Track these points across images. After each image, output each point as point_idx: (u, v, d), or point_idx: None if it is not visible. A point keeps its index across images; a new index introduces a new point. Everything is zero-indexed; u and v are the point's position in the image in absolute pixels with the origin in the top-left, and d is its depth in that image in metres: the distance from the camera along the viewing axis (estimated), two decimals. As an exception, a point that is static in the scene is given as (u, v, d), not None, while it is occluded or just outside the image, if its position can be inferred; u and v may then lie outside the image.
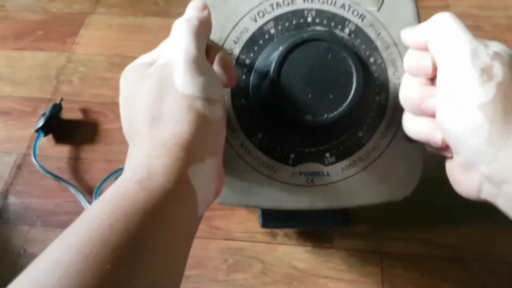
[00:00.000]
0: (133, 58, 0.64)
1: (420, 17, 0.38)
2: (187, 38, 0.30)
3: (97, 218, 0.23)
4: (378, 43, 0.37)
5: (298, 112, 0.33)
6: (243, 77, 0.36)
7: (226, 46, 0.37)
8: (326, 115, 0.33)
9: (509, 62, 0.28)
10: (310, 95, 0.33)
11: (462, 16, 0.68)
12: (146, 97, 0.29)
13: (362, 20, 0.37)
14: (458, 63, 0.29)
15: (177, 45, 0.30)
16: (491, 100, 0.27)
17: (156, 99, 0.28)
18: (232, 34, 0.37)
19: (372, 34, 0.37)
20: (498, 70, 0.28)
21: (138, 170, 0.26)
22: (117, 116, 0.58)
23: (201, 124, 0.28)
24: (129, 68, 0.33)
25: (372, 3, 0.37)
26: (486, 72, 0.28)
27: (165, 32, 0.68)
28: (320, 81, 0.33)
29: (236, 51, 0.37)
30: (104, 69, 0.64)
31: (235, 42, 0.37)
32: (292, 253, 0.48)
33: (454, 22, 0.30)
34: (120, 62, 0.65)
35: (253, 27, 0.37)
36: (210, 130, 0.29)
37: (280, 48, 0.34)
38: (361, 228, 0.49)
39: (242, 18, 0.37)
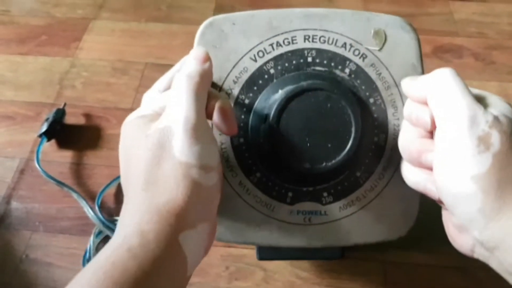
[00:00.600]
0: (136, 63, 0.65)
1: (424, 63, 0.37)
2: (187, 100, 0.29)
3: (90, 286, 0.24)
4: (379, 83, 0.36)
5: (296, 160, 0.33)
6: (242, 116, 0.36)
7: (226, 85, 0.36)
8: (324, 164, 0.33)
9: (507, 130, 0.27)
10: (308, 144, 0.33)
11: (465, 23, 0.69)
12: (143, 160, 0.29)
13: (363, 60, 0.36)
14: (456, 128, 0.27)
15: (177, 109, 0.29)
16: (486, 171, 0.26)
17: (153, 163, 0.28)
18: (232, 73, 0.36)
19: (372, 74, 0.36)
20: (495, 139, 0.26)
21: (129, 236, 0.26)
22: (120, 121, 0.58)
23: (195, 192, 0.28)
24: (129, 121, 0.33)
25: (374, 43, 0.37)
26: (483, 141, 0.27)
27: (168, 37, 0.69)
28: (319, 130, 0.33)
29: (236, 91, 0.36)
30: (107, 74, 0.64)
31: (235, 82, 0.36)
32: (294, 262, 0.48)
33: (455, 81, 0.29)
34: (123, 67, 0.65)
35: (252, 67, 0.36)
36: (203, 197, 0.29)
37: (280, 91, 0.34)
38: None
39: (242, 57, 0.36)
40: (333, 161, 0.33)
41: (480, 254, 0.29)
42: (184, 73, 0.31)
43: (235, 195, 0.37)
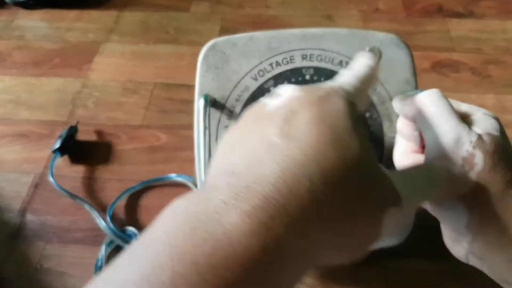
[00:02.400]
0: (145, 83, 0.68)
1: (422, 78, 0.39)
2: None
3: None
4: (374, 99, 0.38)
5: None
6: None
7: (229, 104, 0.38)
8: None
9: (490, 148, 0.28)
10: None
11: (462, 40, 0.72)
12: None
13: None
14: (441, 149, 0.28)
15: None
16: (470, 190, 0.27)
17: None
18: (234, 92, 0.38)
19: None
20: (479, 159, 0.27)
21: None
22: (130, 138, 0.61)
23: None
24: None
25: None
26: (467, 162, 0.28)
27: (175, 58, 0.72)
28: None
29: (238, 108, 0.38)
30: (118, 94, 0.67)
31: (237, 100, 0.38)
32: (299, 268, 0.49)
33: (439, 104, 0.29)
34: (133, 87, 0.68)
35: (253, 86, 0.38)
36: None
37: None
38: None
39: (243, 77, 0.38)
40: None
41: (474, 262, 0.31)
42: None
43: None
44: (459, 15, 0.77)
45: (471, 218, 0.28)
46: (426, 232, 0.50)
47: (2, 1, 0.83)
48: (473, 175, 0.27)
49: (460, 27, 0.75)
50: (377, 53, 0.38)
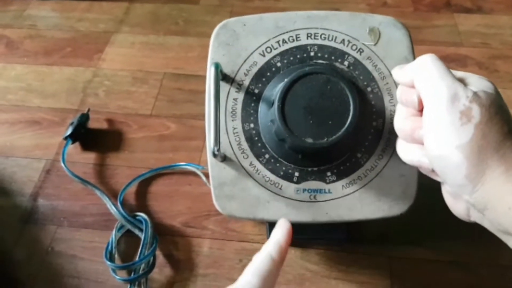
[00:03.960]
0: (155, 73, 0.69)
1: (414, 51, 0.41)
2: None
3: None
4: (375, 74, 0.40)
5: (300, 136, 0.36)
6: (252, 104, 0.40)
7: (238, 78, 0.40)
8: (326, 139, 0.36)
9: (486, 103, 0.29)
10: (311, 121, 0.36)
11: (470, 35, 0.73)
12: None
13: (360, 53, 0.40)
14: (438, 105, 0.30)
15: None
16: (469, 140, 0.29)
17: None
18: (243, 67, 0.41)
19: (369, 66, 0.40)
20: (476, 112, 0.29)
21: None
22: (140, 127, 0.62)
23: None
24: None
25: (370, 39, 0.41)
26: (465, 115, 0.29)
27: (184, 49, 0.73)
28: (320, 109, 0.36)
29: (246, 82, 0.40)
30: (128, 83, 0.68)
31: (246, 74, 0.40)
32: (304, 255, 0.50)
33: (434, 65, 0.31)
34: (143, 77, 0.69)
35: (261, 61, 0.41)
36: None
37: (285, 79, 0.37)
38: (371, 232, 0.51)
39: (252, 53, 0.41)
40: (334, 137, 0.36)
41: (475, 217, 0.32)
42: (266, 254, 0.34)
43: (247, 175, 0.40)
44: (467, 10, 0.77)
45: (470, 167, 0.29)
46: (430, 224, 0.51)
47: (14, -9, 0.84)
48: (471, 127, 0.29)
49: (468, 22, 0.75)
50: (377, 33, 0.41)
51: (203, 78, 0.41)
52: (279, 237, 0.35)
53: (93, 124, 0.62)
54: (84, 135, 0.60)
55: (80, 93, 0.67)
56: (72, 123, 0.60)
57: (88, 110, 0.62)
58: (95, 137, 0.61)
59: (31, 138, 0.62)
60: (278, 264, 0.33)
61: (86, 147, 0.60)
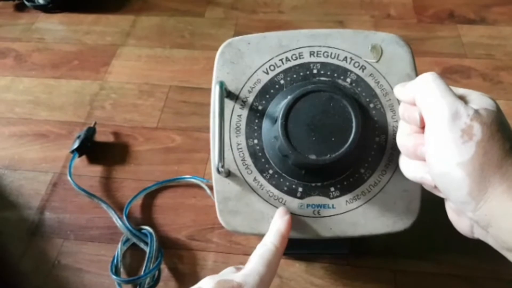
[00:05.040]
0: (161, 86, 0.70)
1: (417, 68, 0.41)
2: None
3: None
4: (378, 91, 0.41)
5: (303, 153, 0.37)
6: (256, 121, 0.41)
7: (242, 94, 0.41)
8: (329, 156, 0.36)
9: (487, 120, 0.30)
10: (314, 138, 0.37)
11: (473, 46, 0.73)
12: None
13: (363, 70, 0.41)
14: (440, 124, 0.30)
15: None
16: (470, 158, 0.29)
17: None
18: (247, 84, 0.41)
19: (371, 83, 0.41)
20: (477, 130, 0.29)
21: None
22: (147, 139, 0.63)
23: None
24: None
25: (372, 56, 0.41)
26: (466, 133, 0.29)
27: (190, 62, 0.74)
28: (323, 126, 0.37)
29: (250, 99, 0.41)
30: (134, 96, 0.69)
31: (250, 92, 0.41)
32: (309, 269, 0.50)
33: (435, 83, 0.32)
34: (149, 90, 0.70)
35: (265, 79, 0.41)
36: None
37: (288, 97, 0.38)
38: (376, 246, 0.51)
39: (255, 71, 0.41)
40: (337, 153, 0.36)
41: (478, 234, 0.32)
42: (267, 245, 0.37)
43: (251, 190, 0.40)
44: (470, 21, 0.78)
45: (472, 184, 0.29)
46: (435, 237, 0.51)
47: (22, 5, 0.86)
48: (472, 144, 0.29)
49: (471, 33, 0.75)
50: (379, 50, 0.41)
51: (208, 90, 0.41)
52: (280, 226, 0.38)
53: (99, 137, 0.63)
54: (91, 148, 0.61)
55: (87, 105, 0.68)
56: (78, 137, 0.60)
57: (95, 123, 0.63)
58: (101, 150, 0.62)
59: (39, 151, 0.63)
60: (280, 253, 0.37)
61: (92, 160, 0.61)
